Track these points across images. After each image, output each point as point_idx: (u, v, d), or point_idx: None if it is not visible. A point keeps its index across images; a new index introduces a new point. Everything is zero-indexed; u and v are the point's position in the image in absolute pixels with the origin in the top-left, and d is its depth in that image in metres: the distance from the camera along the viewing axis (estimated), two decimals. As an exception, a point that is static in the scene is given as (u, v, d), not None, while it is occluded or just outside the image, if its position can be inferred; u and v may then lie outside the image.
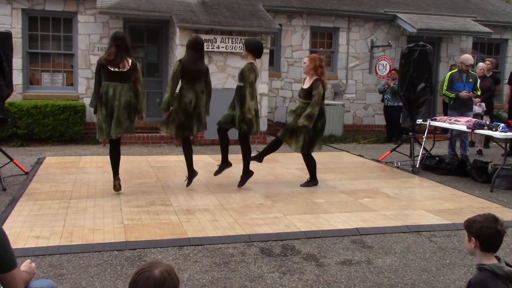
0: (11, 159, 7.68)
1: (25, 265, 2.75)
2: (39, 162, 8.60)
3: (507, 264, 2.64)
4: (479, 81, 9.76)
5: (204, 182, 7.42)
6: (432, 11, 14.18)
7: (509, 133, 7.55)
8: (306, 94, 7.07)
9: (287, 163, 9.04)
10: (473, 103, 9.81)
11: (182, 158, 7.72)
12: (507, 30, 14.82)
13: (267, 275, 4.27)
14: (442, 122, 8.87)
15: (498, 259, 2.66)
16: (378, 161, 9.66)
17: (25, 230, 5.11)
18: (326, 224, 5.61)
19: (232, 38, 11.04)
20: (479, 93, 9.62)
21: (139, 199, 6.39)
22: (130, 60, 6.40)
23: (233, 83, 8.80)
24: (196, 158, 7.51)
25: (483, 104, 10.90)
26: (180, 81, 6.71)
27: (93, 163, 8.58)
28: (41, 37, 11.46)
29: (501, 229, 2.63)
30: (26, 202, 6.11)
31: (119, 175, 6.60)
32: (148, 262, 2.07)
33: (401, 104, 11.40)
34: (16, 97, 10.55)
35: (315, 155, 7.44)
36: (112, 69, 6.28)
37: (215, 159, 9.23)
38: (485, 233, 2.61)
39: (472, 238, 2.66)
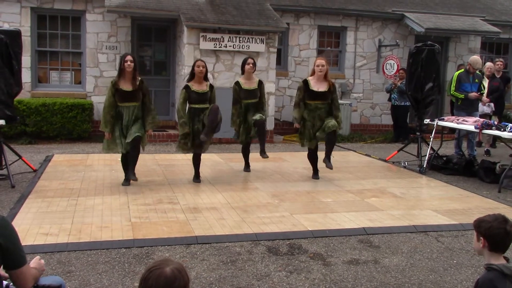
0: (20, 157, 7.73)
1: (34, 262, 2.77)
2: (47, 159, 8.65)
3: (516, 265, 2.63)
4: (487, 80, 9.72)
5: (211, 180, 7.44)
6: (440, 11, 14.12)
7: (517, 134, 7.52)
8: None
9: (294, 162, 9.04)
10: (479, 103, 9.84)
11: (189, 157, 7.74)
12: (516, 29, 14.75)
13: (274, 274, 4.28)
14: (449, 122, 8.85)
15: (507, 259, 2.65)
16: (385, 160, 9.64)
17: (33, 227, 5.15)
18: (333, 224, 5.61)
19: (239, 37, 11.05)
20: (482, 92, 9.65)
21: (147, 197, 6.42)
22: None
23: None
24: (204, 156, 7.55)
25: (492, 104, 10.86)
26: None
27: (100, 161, 8.62)
28: (50, 35, 11.52)
29: (510, 229, 2.62)
30: (34, 200, 6.16)
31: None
32: (159, 260, 2.09)
33: (408, 103, 11.38)
34: (24, 95, 10.61)
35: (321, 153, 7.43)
36: None
37: (222, 158, 9.25)
38: (494, 233, 2.61)
39: (481, 238, 2.66)
